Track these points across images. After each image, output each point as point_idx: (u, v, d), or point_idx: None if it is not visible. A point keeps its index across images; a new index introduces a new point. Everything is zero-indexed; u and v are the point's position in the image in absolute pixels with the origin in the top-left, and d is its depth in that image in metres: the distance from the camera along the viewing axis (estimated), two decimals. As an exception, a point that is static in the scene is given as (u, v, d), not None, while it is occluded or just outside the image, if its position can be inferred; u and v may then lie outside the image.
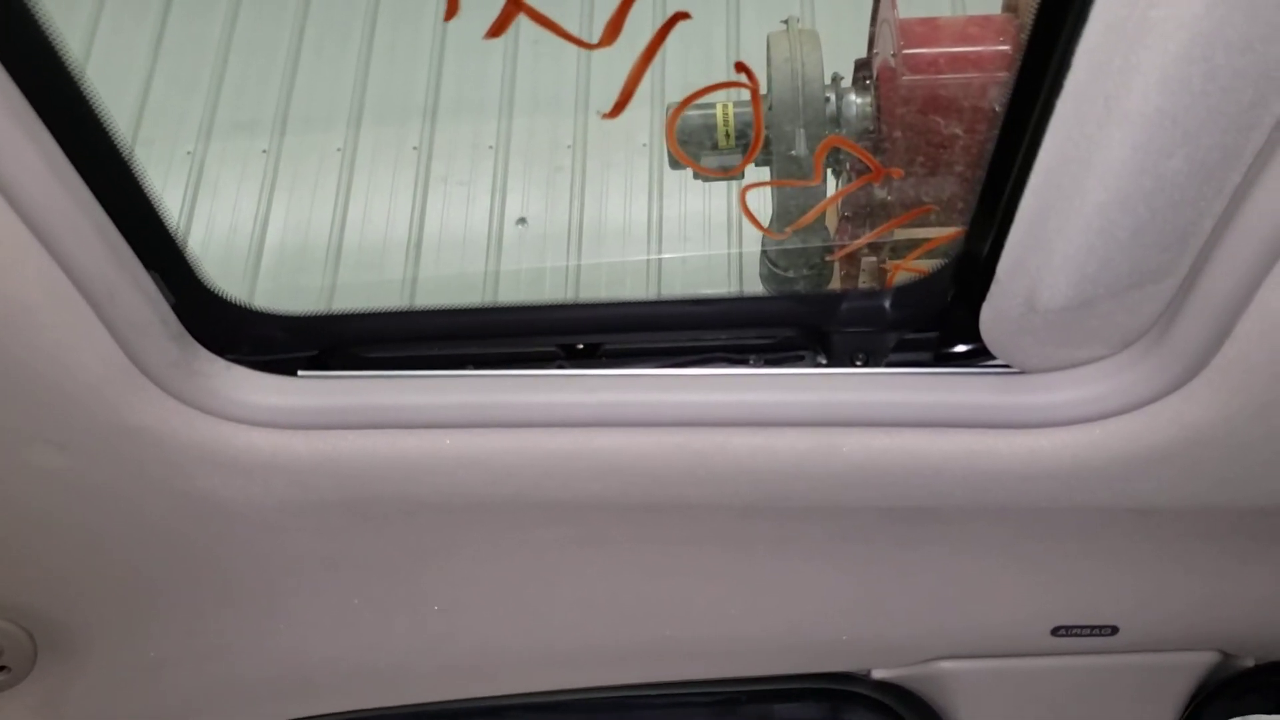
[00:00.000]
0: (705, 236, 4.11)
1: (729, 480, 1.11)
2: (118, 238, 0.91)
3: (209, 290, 1.04)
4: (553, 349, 1.13)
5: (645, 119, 4.32)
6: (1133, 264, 0.89)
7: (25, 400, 0.97)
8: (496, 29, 1.08)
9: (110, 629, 1.26)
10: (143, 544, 1.17)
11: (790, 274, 3.46)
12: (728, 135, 3.23)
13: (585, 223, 4.16)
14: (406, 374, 1.11)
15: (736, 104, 3.28)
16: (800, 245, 3.51)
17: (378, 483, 1.11)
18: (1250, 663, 1.45)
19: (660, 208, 4.16)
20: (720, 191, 4.14)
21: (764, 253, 3.51)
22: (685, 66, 4.39)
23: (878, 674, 1.43)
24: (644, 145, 4.28)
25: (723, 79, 4.38)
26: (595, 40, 1.14)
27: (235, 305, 1.07)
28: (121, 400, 1.00)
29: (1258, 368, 0.91)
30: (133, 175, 0.94)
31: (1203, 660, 1.39)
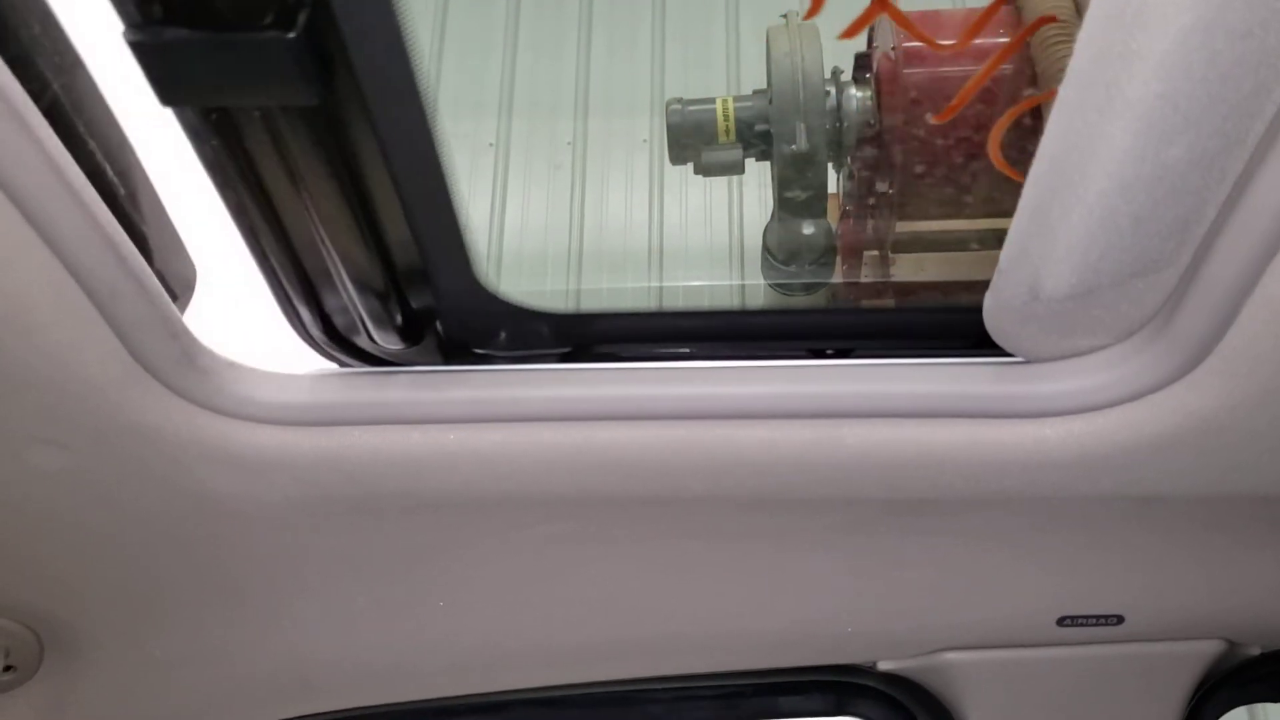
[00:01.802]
0: (707, 231, 4.10)
1: (732, 473, 1.11)
2: (120, 234, 0.91)
3: (480, 285, 1.04)
4: (802, 354, 1.13)
5: (645, 116, 4.32)
6: (1136, 252, 0.89)
7: (28, 399, 0.97)
8: (855, 28, 1.10)
9: (116, 628, 1.26)
10: (147, 542, 1.17)
11: (791, 268, 3.46)
12: (727, 131, 3.22)
13: (585, 218, 4.16)
14: (410, 369, 1.10)
15: (736, 99, 3.27)
16: (802, 241, 3.50)
17: (382, 479, 1.11)
18: (1256, 651, 1.45)
19: (661, 202, 4.16)
20: (720, 186, 4.13)
21: (764, 247, 3.50)
22: (684, 63, 4.39)
23: (883, 666, 1.43)
24: (644, 141, 4.28)
25: (722, 75, 4.38)
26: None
27: (501, 301, 1.06)
28: (125, 398, 0.99)
29: (1262, 355, 0.91)
30: (445, 193, 0.92)
31: (1208, 649, 1.39)
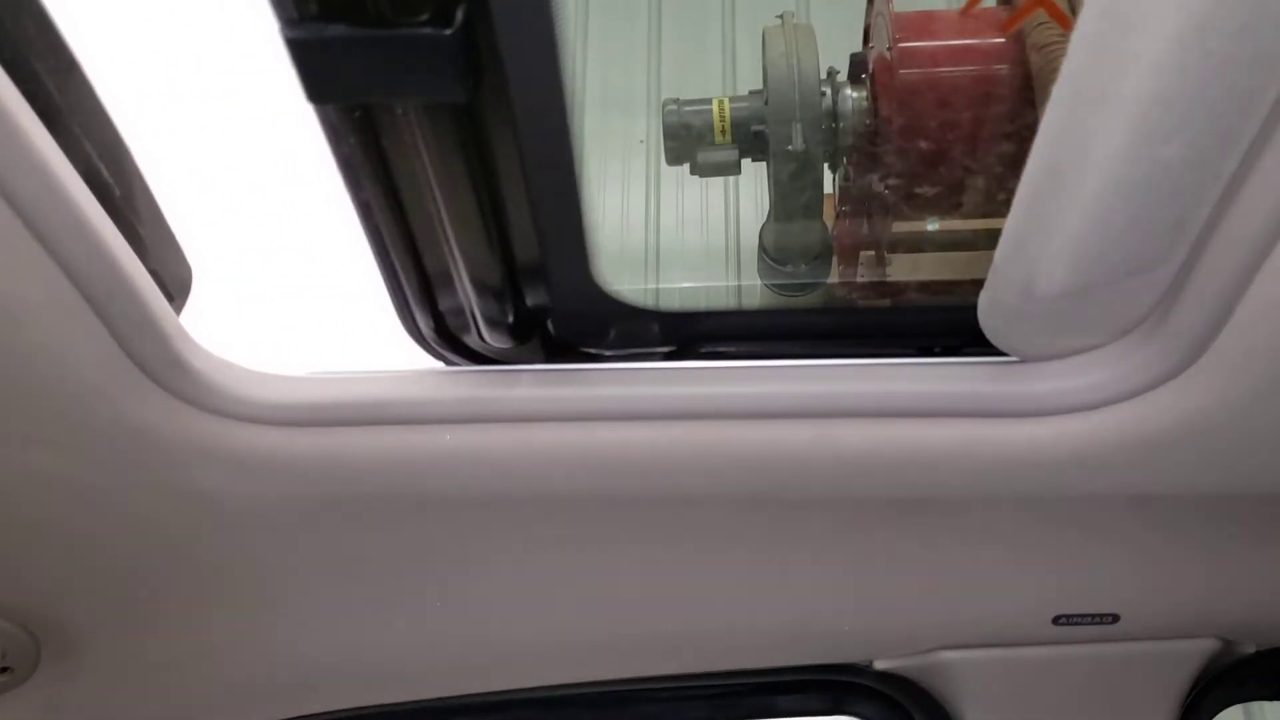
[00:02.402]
0: (703, 231, 4.10)
1: (728, 472, 1.11)
2: (115, 235, 0.91)
3: (595, 284, 1.03)
4: (912, 351, 1.13)
5: (641, 117, 4.32)
6: (1130, 251, 0.89)
7: (23, 400, 0.97)
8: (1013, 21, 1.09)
9: (112, 629, 1.26)
10: (143, 543, 1.17)
11: (787, 268, 3.46)
12: (724, 131, 3.23)
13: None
14: (405, 370, 1.10)
15: (733, 100, 3.27)
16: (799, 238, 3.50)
17: (377, 479, 1.11)
18: (1251, 649, 1.45)
19: (658, 203, 4.16)
20: (717, 186, 4.13)
21: (761, 246, 3.51)
22: (681, 63, 4.39)
23: (879, 665, 1.43)
24: (640, 143, 4.28)
25: (718, 74, 4.38)
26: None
27: (615, 299, 1.06)
28: (120, 398, 0.99)
29: (1256, 354, 0.91)
30: (575, 193, 0.93)
31: (1204, 647, 1.39)
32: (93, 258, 0.89)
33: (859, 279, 3.73)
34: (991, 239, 0.95)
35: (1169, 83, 0.75)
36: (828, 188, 3.64)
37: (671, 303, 1.14)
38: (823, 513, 1.20)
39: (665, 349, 1.11)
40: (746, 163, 3.28)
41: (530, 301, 1.03)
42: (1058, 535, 1.23)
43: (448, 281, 0.99)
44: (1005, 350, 1.05)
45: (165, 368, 1.01)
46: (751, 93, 3.38)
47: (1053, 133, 0.82)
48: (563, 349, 1.10)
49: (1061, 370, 1.03)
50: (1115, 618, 1.32)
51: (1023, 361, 1.06)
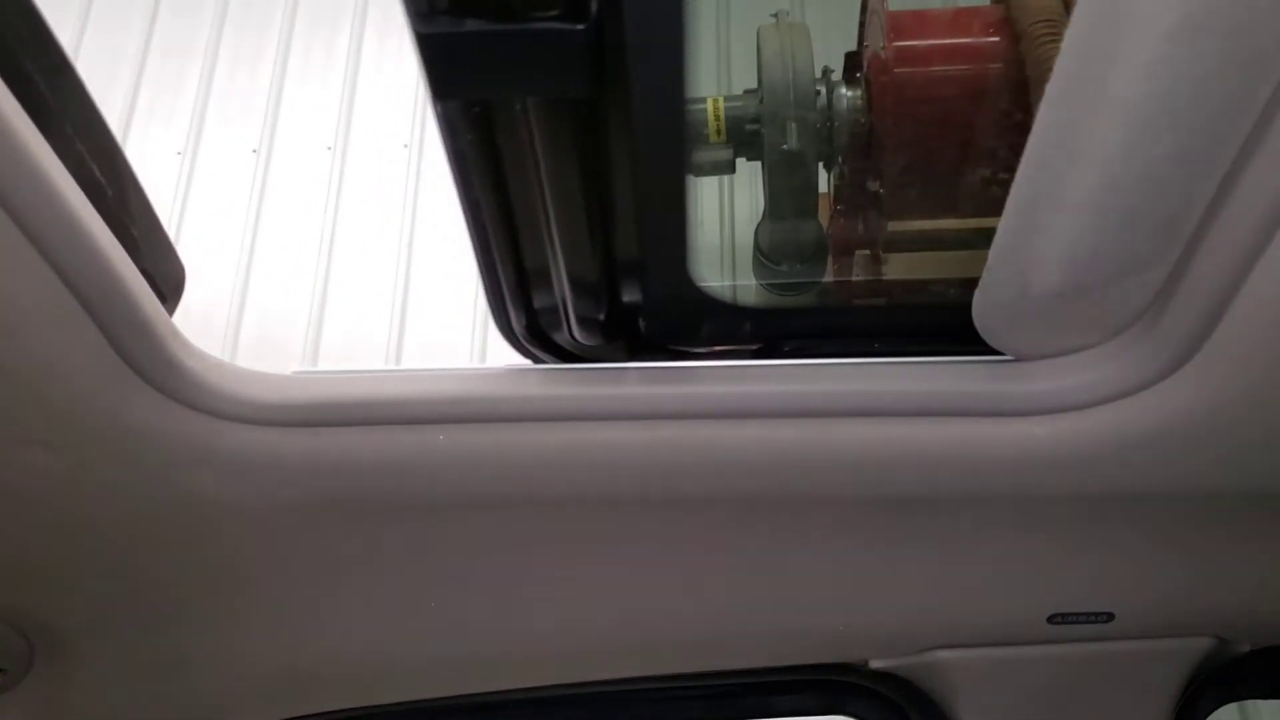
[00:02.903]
0: (699, 230, 4.10)
1: (722, 473, 1.11)
2: (108, 236, 0.91)
3: (692, 281, 1.04)
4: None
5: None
6: (1124, 250, 0.89)
7: (16, 401, 0.96)
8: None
9: (106, 631, 1.26)
10: (137, 544, 1.17)
11: (782, 267, 3.46)
12: (718, 130, 3.22)
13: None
14: (398, 369, 1.10)
15: (727, 98, 3.27)
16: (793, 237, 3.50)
17: (371, 480, 1.11)
18: (1245, 648, 1.45)
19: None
20: (711, 186, 4.13)
21: (756, 246, 3.50)
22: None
23: (875, 664, 1.43)
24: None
25: (713, 73, 4.38)
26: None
27: (711, 297, 1.06)
28: (113, 399, 0.99)
29: (1250, 353, 0.91)
30: (682, 190, 0.93)
31: (1198, 646, 1.39)
32: (85, 258, 0.89)
33: (853, 278, 3.73)
34: (987, 238, 0.95)
35: (1161, 82, 0.75)
36: (823, 187, 3.64)
37: (748, 300, 1.14)
38: (818, 512, 1.20)
39: (753, 346, 1.11)
40: (741, 161, 3.28)
41: (625, 298, 1.03)
42: (1053, 534, 1.23)
43: (545, 279, 1.00)
44: (1000, 349, 1.05)
45: (158, 368, 1.01)
46: (746, 91, 3.37)
47: (1046, 132, 0.82)
48: (649, 348, 1.10)
49: (1056, 369, 1.03)
50: (1110, 616, 1.32)
51: (1017, 360, 1.06)
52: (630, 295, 1.03)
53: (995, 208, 0.92)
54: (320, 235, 4.17)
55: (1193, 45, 0.73)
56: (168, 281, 1.03)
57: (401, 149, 4.33)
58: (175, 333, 1.03)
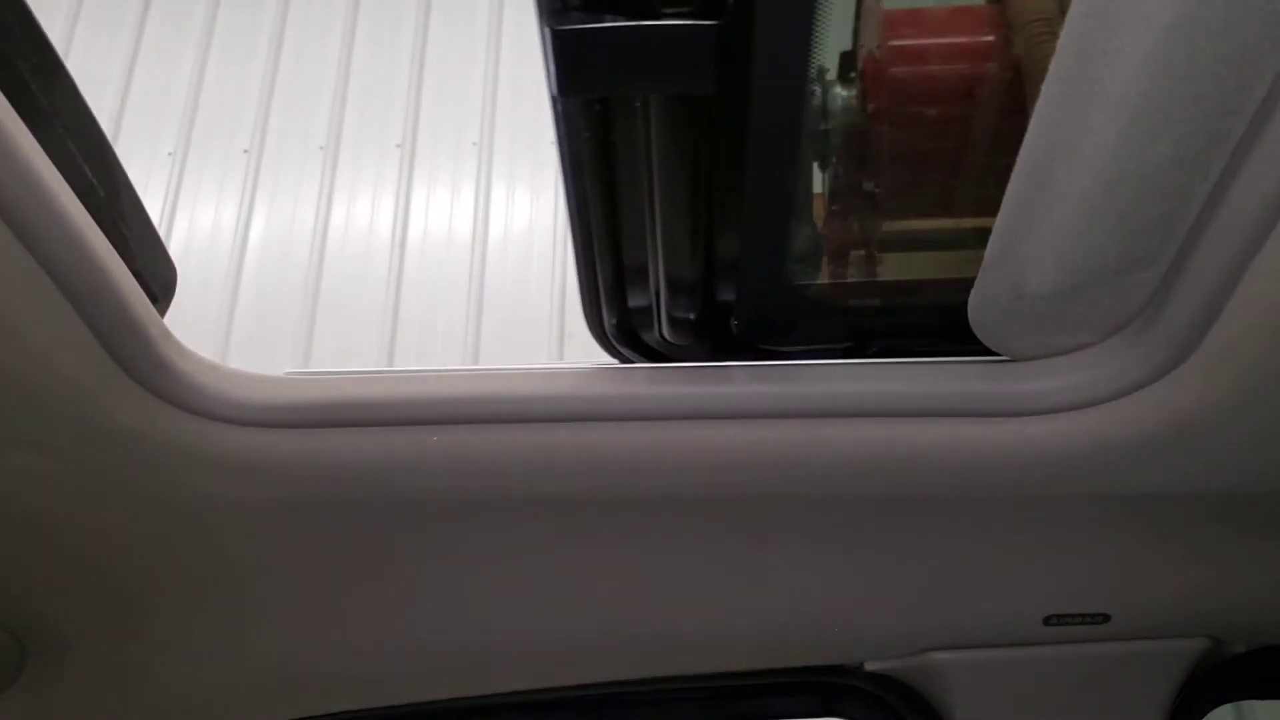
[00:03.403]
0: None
1: (718, 473, 1.11)
2: (99, 236, 0.90)
3: (790, 280, 1.04)
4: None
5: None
6: (1119, 250, 0.89)
7: (7, 402, 0.96)
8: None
9: (98, 632, 1.26)
10: (129, 545, 1.16)
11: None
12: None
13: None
14: (391, 371, 1.10)
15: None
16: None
17: (363, 481, 1.11)
18: (1241, 648, 1.45)
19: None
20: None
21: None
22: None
23: (870, 666, 1.43)
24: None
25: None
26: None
27: (806, 296, 1.07)
28: (105, 400, 0.99)
29: (1244, 353, 0.91)
30: (791, 188, 0.93)
31: (1194, 647, 1.39)
32: (76, 259, 0.88)
33: (849, 279, 3.74)
34: (983, 238, 0.95)
35: (1157, 82, 0.75)
36: (817, 187, 3.64)
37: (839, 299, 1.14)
38: (813, 513, 1.20)
39: (844, 345, 1.11)
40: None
41: (720, 297, 1.02)
42: (1048, 535, 1.23)
43: (642, 278, 1.00)
44: (995, 349, 1.05)
45: (149, 369, 1.00)
46: (740, 91, 3.38)
47: (1041, 131, 0.82)
48: (737, 347, 1.10)
49: (1052, 369, 1.03)
50: (1106, 618, 1.32)
51: (1013, 360, 1.05)
52: (725, 294, 1.02)
53: (991, 208, 0.92)
54: (312, 235, 4.16)
55: (1187, 44, 0.72)
56: (159, 282, 1.03)
57: (394, 149, 4.32)
58: (166, 333, 1.02)
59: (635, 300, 1.04)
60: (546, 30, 0.76)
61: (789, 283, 1.03)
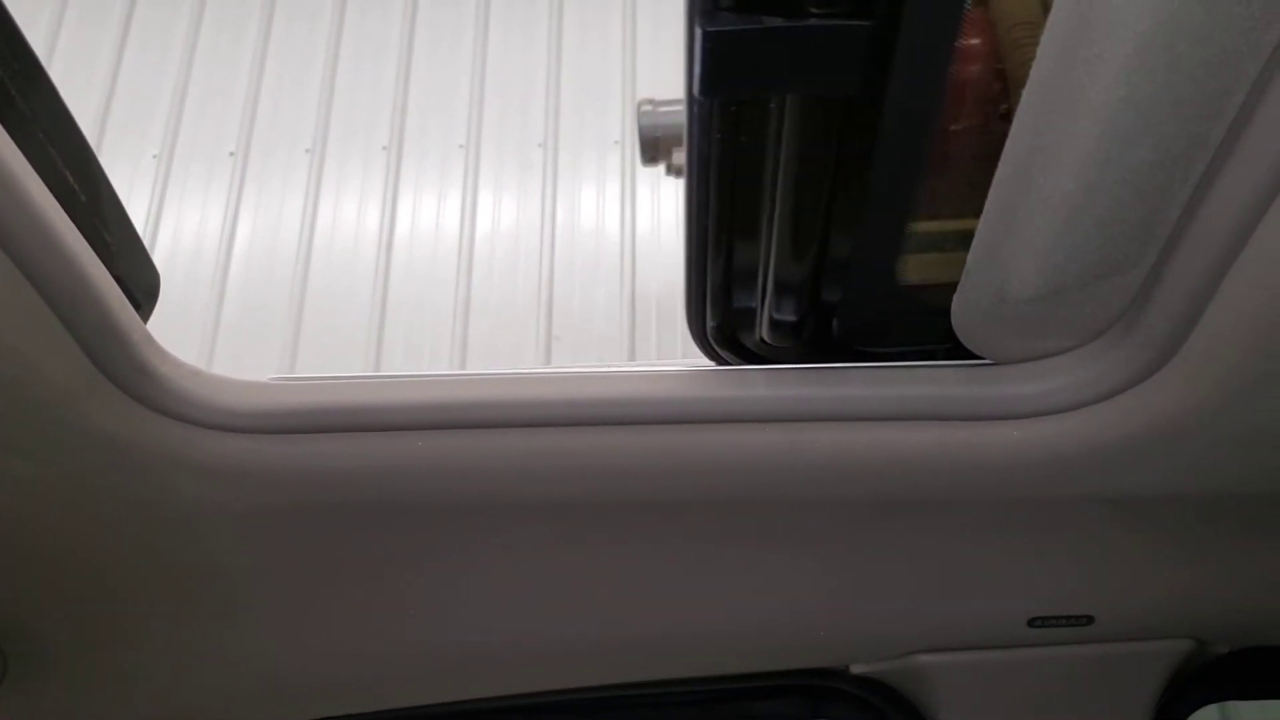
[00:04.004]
0: (679, 232, 4.10)
1: (704, 477, 1.11)
2: (80, 242, 0.90)
3: (896, 281, 1.03)
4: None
5: (616, 115, 4.32)
6: (1101, 254, 0.89)
7: None
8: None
9: (83, 639, 1.25)
10: (114, 552, 1.16)
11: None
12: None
13: (558, 220, 4.16)
14: (377, 376, 1.10)
15: (708, 101, 3.27)
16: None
17: (350, 486, 1.11)
18: (1225, 649, 1.46)
19: (633, 204, 4.16)
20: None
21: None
22: (655, 63, 4.39)
23: (856, 669, 1.43)
24: (615, 143, 4.28)
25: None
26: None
27: (911, 296, 1.06)
28: (88, 407, 0.98)
29: (1226, 356, 0.91)
30: (916, 189, 0.92)
31: (1178, 648, 1.40)
32: (58, 264, 0.88)
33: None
34: (967, 241, 0.95)
35: (1137, 87, 0.75)
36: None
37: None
38: (797, 517, 1.20)
39: (944, 346, 1.10)
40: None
41: (825, 299, 1.02)
42: (1032, 538, 1.24)
43: (750, 280, 1.00)
44: (979, 353, 1.05)
45: (132, 375, 1.00)
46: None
47: (1022, 136, 0.83)
48: (836, 349, 1.09)
49: (1035, 373, 1.04)
50: (1090, 619, 1.33)
51: (996, 364, 1.06)
52: (829, 296, 1.02)
53: (974, 211, 0.92)
54: (298, 238, 4.15)
55: (1166, 50, 0.73)
56: (142, 288, 1.02)
57: (380, 151, 4.31)
58: (149, 339, 1.02)
59: (741, 301, 1.04)
60: (697, 31, 0.75)
61: (897, 284, 1.02)
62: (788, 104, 0.82)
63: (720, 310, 1.05)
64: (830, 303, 1.02)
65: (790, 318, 1.02)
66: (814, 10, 0.75)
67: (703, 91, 0.80)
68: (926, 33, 0.79)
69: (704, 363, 1.13)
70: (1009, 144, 0.84)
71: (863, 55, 0.77)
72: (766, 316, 1.03)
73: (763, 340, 1.07)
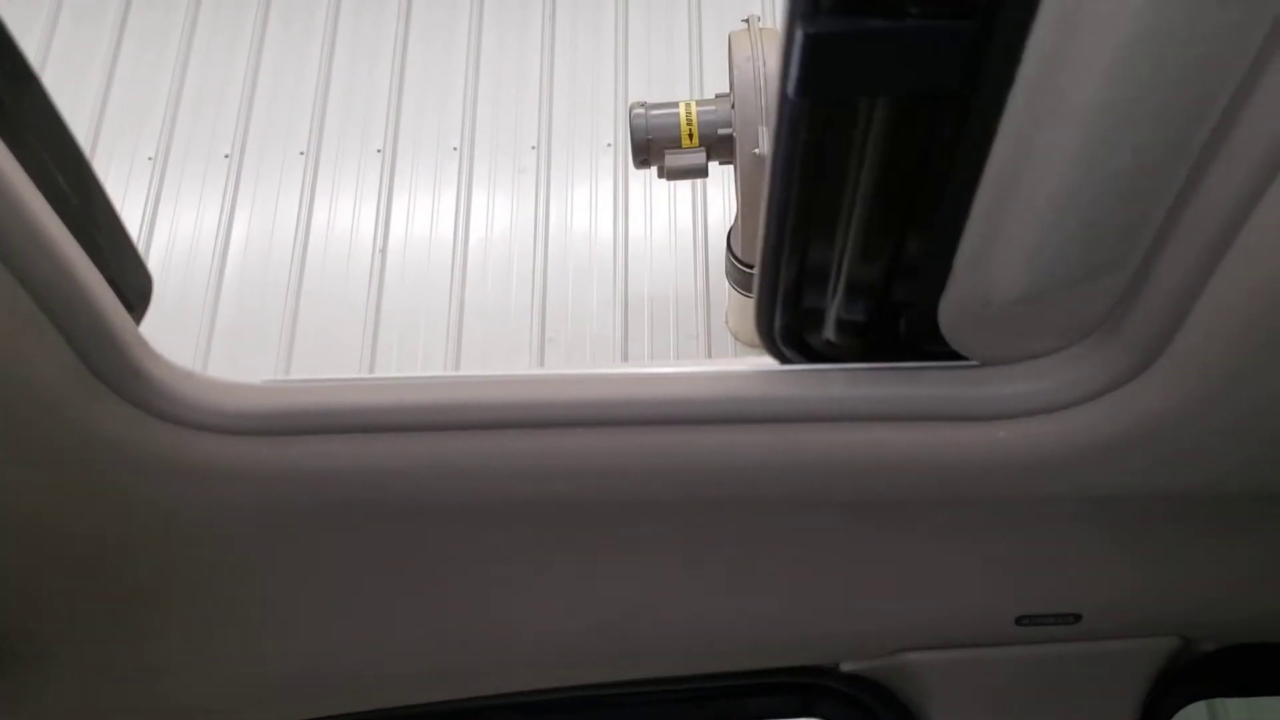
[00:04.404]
0: (671, 234, 4.11)
1: (693, 478, 1.11)
2: (73, 245, 0.90)
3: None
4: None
5: (609, 119, 4.32)
6: (1086, 255, 0.90)
7: None
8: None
9: (77, 640, 1.25)
10: (107, 554, 1.16)
11: (755, 270, 3.47)
12: (691, 135, 3.23)
13: (551, 223, 4.16)
14: (369, 377, 1.10)
15: (700, 103, 3.28)
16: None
17: (342, 488, 1.11)
18: (1211, 647, 1.47)
19: (626, 207, 4.16)
20: (685, 190, 4.14)
21: (729, 249, 3.52)
22: (648, 66, 4.40)
23: (846, 667, 1.44)
24: (608, 146, 4.28)
25: (685, 78, 4.39)
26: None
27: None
28: (81, 410, 0.98)
29: (1210, 357, 0.92)
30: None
31: (1164, 645, 1.40)
32: (49, 267, 0.88)
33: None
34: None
35: (1121, 90, 0.76)
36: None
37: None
38: (787, 517, 1.21)
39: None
40: (713, 165, 3.29)
41: (894, 299, 1.02)
42: (1019, 537, 1.24)
43: (821, 280, 1.00)
44: (966, 353, 1.06)
45: (125, 378, 1.00)
46: (718, 96, 3.39)
47: (1007, 139, 0.83)
48: (900, 348, 1.09)
49: (1021, 374, 1.04)
50: (1077, 617, 1.33)
51: (983, 365, 1.06)
52: (899, 296, 1.02)
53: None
54: (293, 239, 4.15)
55: (1151, 53, 0.73)
56: (134, 290, 1.02)
57: (375, 153, 4.31)
58: (142, 342, 1.02)
59: (811, 301, 1.03)
60: (798, 33, 0.75)
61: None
62: (878, 104, 0.82)
63: (789, 310, 1.04)
64: (899, 303, 1.02)
65: (859, 318, 1.02)
66: (912, 10, 0.74)
67: (799, 93, 0.79)
68: (1022, 33, 0.78)
69: (698, 363, 1.13)
70: (995, 146, 0.84)
71: (962, 56, 0.77)
72: (834, 316, 1.03)
73: (829, 341, 1.07)
